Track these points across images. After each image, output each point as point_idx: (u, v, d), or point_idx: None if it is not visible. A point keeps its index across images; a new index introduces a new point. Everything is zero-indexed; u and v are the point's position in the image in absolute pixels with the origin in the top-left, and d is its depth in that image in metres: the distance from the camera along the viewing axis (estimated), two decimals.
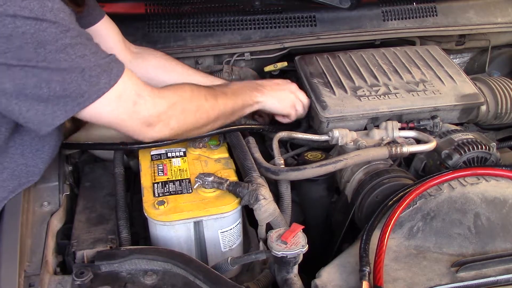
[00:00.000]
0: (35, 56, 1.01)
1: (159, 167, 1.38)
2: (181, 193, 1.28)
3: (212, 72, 1.82)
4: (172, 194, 1.28)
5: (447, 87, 1.65)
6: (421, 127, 1.58)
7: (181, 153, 1.45)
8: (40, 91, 1.04)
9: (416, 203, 1.26)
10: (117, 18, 1.56)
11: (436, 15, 2.05)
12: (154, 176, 1.35)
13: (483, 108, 1.70)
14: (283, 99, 1.57)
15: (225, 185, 1.27)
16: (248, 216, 1.39)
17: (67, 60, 1.04)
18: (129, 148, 1.47)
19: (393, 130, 1.54)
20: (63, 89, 1.05)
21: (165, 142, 1.42)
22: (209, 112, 1.34)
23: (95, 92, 1.10)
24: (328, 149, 1.61)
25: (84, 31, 1.11)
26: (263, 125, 1.69)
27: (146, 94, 1.20)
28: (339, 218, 1.49)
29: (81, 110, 1.10)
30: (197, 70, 1.77)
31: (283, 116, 1.62)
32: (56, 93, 1.05)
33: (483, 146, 1.48)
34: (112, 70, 1.12)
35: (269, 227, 1.26)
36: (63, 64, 1.04)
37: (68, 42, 1.04)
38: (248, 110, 1.49)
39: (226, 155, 1.46)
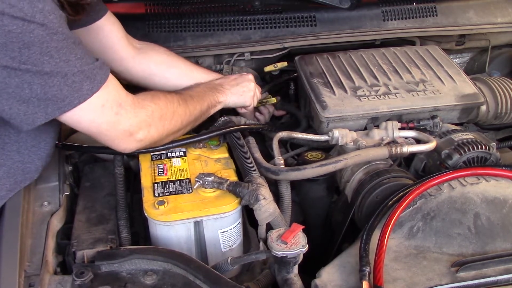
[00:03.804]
0: (18, 56, 1.00)
1: (159, 167, 1.38)
2: (181, 193, 1.28)
3: None
4: (172, 194, 1.28)
5: (447, 87, 1.65)
6: (421, 127, 1.58)
7: (181, 153, 1.45)
8: (22, 92, 1.04)
9: (416, 203, 1.26)
10: (117, 18, 1.56)
11: (436, 15, 2.05)
12: (154, 176, 1.35)
13: (483, 108, 1.70)
14: (243, 92, 1.63)
15: (225, 185, 1.27)
16: (248, 216, 1.39)
17: (50, 63, 1.04)
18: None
19: (393, 130, 1.54)
20: (44, 92, 1.05)
21: (164, 147, 1.42)
22: (182, 117, 1.38)
23: (77, 98, 1.10)
24: (328, 149, 1.61)
25: (72, 34, 1.10)
26: (263, 124, 1.69)
27: (128, 105, 1.22)
28: (339, 218, 1.49)
29: (62, 114, 1.11)
30: (199, 66, 1.78)
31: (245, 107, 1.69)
32: (37, 95, 1.05)
33: (483, 146, 1.47)
34: (95, 77, 1.13)
35: (269, 227, 1.26)
36: (46, 67, 1.04)
37: (54, 46, 1.04)
38: (212, 111, 1.55)
39: (226, 155, 1.46)
